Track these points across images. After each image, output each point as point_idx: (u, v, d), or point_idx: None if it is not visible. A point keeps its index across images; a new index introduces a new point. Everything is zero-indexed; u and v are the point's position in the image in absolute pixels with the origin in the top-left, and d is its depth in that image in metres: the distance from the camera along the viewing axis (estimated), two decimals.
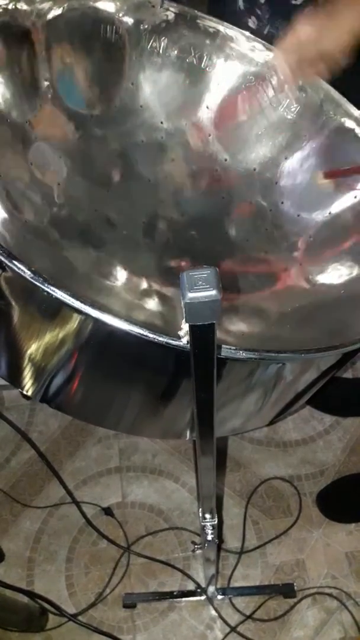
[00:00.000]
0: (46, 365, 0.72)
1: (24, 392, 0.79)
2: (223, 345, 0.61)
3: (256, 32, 0.98)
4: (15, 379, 0.78)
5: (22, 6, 0.86)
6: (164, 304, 0.92)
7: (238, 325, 0.87)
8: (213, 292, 0.48)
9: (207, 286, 0.48)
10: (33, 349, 0.70)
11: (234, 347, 0.62)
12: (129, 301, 0.92)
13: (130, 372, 0.71)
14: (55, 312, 0.63)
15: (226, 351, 0.61)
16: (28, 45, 0.89)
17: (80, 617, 1.35)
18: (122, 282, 0.94)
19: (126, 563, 1.43)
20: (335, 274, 0.89)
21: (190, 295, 0.48)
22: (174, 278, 0.95)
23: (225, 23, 0.95)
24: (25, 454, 1.58)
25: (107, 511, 1.49)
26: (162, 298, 0.92)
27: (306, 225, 0.94)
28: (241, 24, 1.03)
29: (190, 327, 0.52)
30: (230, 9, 1.13)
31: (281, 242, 0.96)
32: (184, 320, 0.51)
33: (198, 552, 1.29)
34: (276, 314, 0.88)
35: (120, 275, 0.95)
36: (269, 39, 0.96)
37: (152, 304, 0.92)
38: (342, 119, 0.92)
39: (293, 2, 1.04)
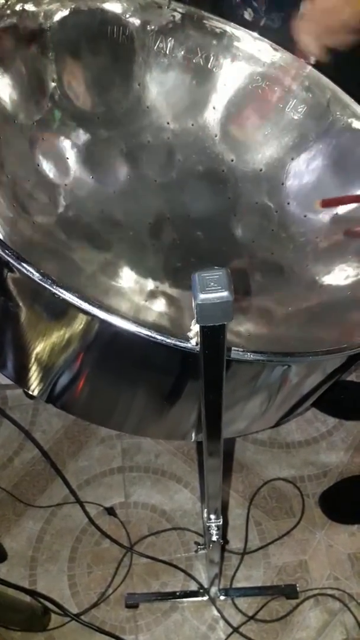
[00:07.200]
0: (53, 364, 0.72)
1: (30, 392, 0.79)
2: (232, 348, 0.61)
3: (252, 24, 0.97)
4: (21, 379, 0.78)
5: (30, 7, 0.86)
6: (170, 305, 0.92)
7: (245, 326, 0.87)
8: (225, 294, 0.48)
9: (219, 287, 0.48)
10: (40, 348, 0.70)
11: (241, 349, 0.62)
12: (135, 302, 0.92)
13: (137, 372, 0.71)
14: (62, 313, 0.63)
15: (234, 353, 0.61)
16: (35, 46, 0.88)
17: (82, 617, 1.35)
18: (129, 283, 0.94)
19: (129, 563, 1.43)
20: (341, 275, 0.89)
21: (202, 296, 0.48)
22: (181, 279, 0.95)
23: (231, 23, 0.95)
24: (28, 453, 1.58)
25: (110, 511, 1.49)
26: (169, 299, 0.92)
27: (313, 226, 0.94)
28: (237, 16, 1.02)
29: (201, 328, 0.51)
30: (226, 1, 1.13)
31: (288, 243, 0.95)
32: (194, 321, 0.51)
33: (201, 552, 1.29)
34: (283, 315, 0.88)
35: (127, 276, 0.95)
36: (265, 31, 0.96)
37: (159, 305, 0.92)
38: (350, 120, 0.91)
39: None
